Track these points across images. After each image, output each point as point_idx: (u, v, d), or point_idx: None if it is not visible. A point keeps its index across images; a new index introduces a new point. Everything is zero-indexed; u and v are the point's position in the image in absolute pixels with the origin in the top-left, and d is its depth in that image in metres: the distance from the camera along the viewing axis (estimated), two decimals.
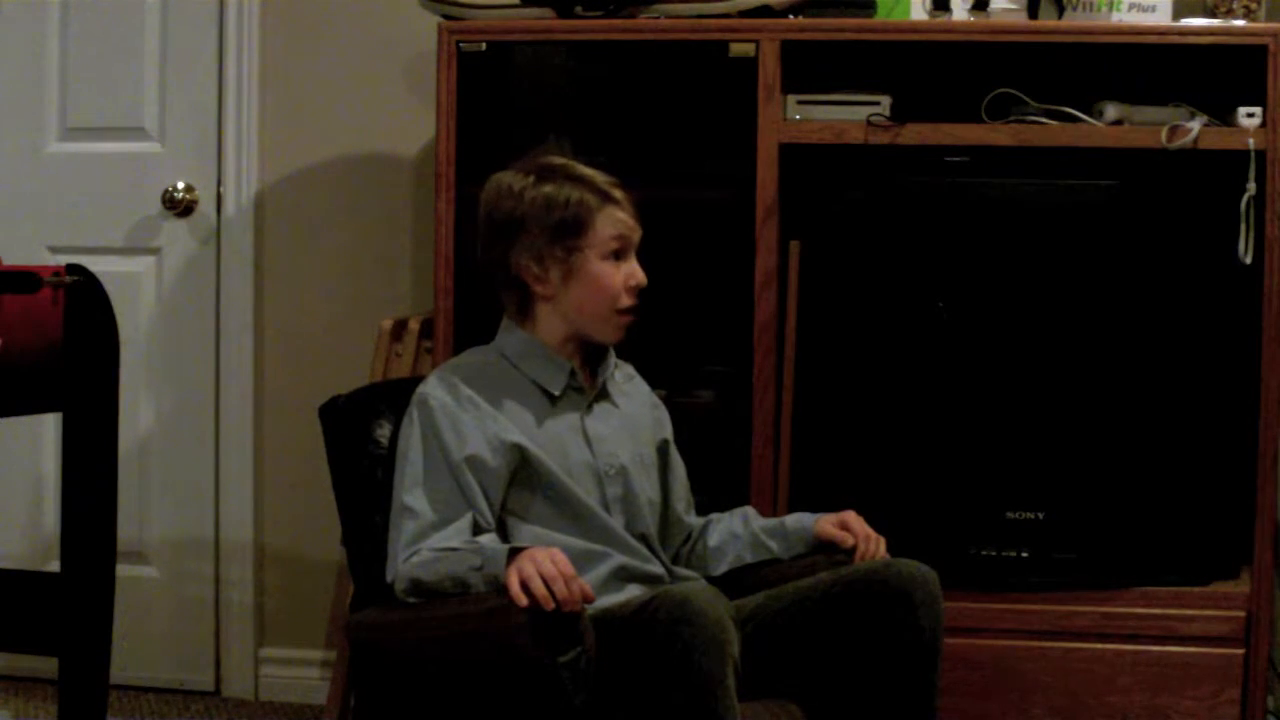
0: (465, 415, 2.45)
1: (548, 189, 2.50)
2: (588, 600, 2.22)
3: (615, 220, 2.51)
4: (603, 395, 2.59)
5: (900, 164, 2.99)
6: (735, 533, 2.63)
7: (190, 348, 3.70)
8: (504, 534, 2.45)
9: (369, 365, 3.33)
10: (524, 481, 2.46)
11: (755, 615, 2.43)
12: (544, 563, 2.20)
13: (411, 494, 2.41)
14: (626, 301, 2.53)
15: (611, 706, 2.23)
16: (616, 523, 2.51)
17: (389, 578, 2.40)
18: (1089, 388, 2.96)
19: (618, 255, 2.52)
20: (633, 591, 2.46)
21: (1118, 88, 3.03)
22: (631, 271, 2.53)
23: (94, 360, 2.60)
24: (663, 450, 2.65)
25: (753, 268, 3.02)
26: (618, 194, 2.52)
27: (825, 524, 2.55)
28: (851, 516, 2.55)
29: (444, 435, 2.43)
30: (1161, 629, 2.95)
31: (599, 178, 2.54)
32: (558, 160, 2.57)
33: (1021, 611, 2.97)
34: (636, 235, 2.54)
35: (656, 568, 2.53)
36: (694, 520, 2.68)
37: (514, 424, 2.47)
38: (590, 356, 2.59)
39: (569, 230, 2.49)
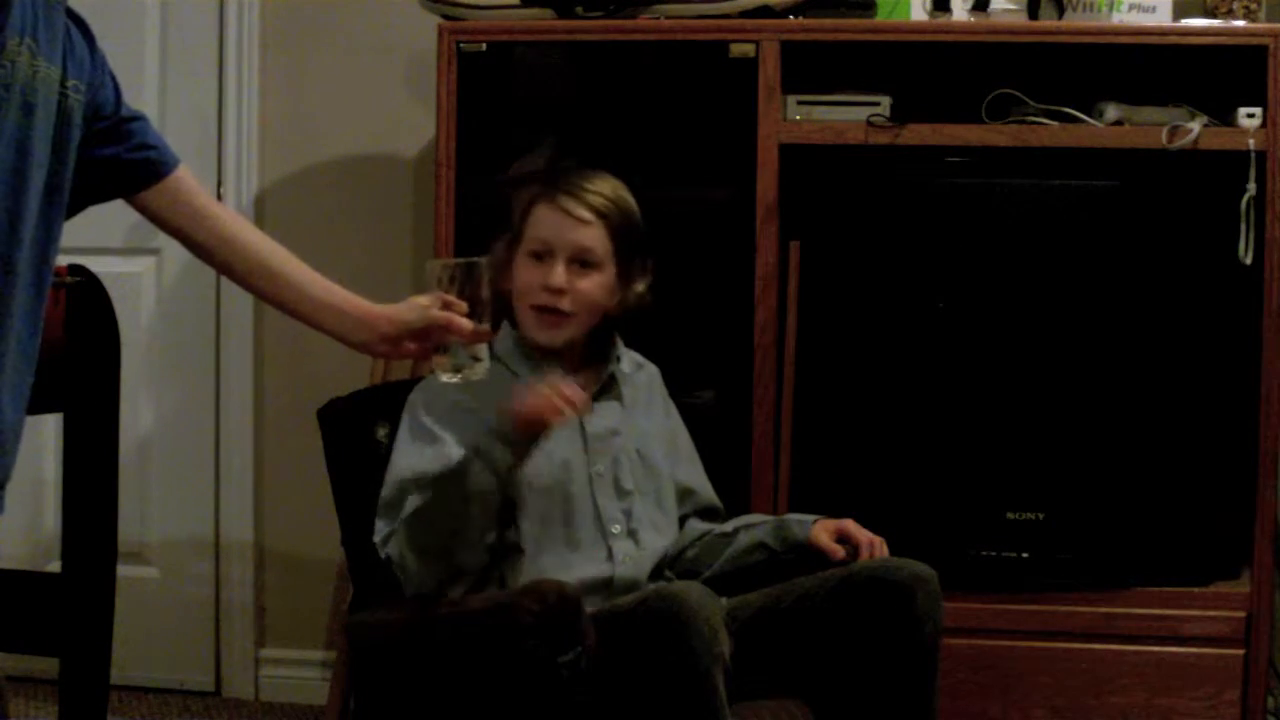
0: (455, 417, 2.46)
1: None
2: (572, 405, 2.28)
3: (543, 221, 2.51)
4: (606, 391, 2.59)
5: (900, 164, 2.99)
6: (735, 533, 2.62)
7: (190, 348, 3.70)
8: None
9: (369, 366, 3.32)
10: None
11: (758, 614, 2.43)
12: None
13: (399, 489, 2.41)
14: (538, 299, 2.50)
15: (611, 704, 2.23)
16: (609, 521, 2.51)
17: (381, 554, 2.40)
18: (1089, 388, 2.96)
19: (538, 256, 2.51)
20: (627, 589, 2.46)
21: (1118, 88, 3.03)
22: (550, 270, 2.49)
23: (95, 361, 2.61)
24: (671, 446, 2.65)
25: (753, 268, 3.02)
26: (563, 198, 2.50)
27: (822, 533, 2.54)
28: (850, 525, 2.54)
29: (434, 438, 2.44)
30: (1161, 629, 2.95)
31: (556, 180, 2.55)
32: (542, 164, 2.59)
33: (1021, 611, 2.97)
34: (570, 237, 2.49)
35: (649, 566, 2.53)
36: (695, 521, 2.68)
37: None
38: (591, 352, 2.59)
39: (513, 230, 2.54)
